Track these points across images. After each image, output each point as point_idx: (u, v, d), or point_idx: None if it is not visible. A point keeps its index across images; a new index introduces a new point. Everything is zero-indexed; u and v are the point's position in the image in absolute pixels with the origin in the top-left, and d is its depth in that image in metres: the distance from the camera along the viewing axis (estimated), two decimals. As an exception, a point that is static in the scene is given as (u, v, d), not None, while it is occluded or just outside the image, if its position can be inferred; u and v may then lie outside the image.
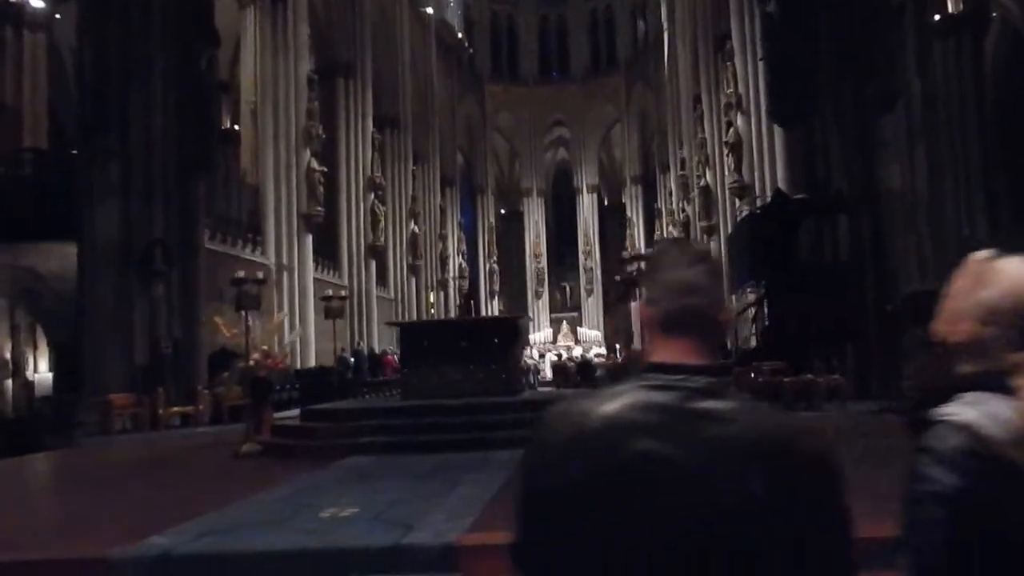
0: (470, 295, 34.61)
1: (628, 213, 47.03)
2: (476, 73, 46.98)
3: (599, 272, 47.40)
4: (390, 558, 4.25)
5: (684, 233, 34.05)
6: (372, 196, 28.16)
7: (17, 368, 22.71)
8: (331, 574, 4.23)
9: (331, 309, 19.68)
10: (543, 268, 48.35)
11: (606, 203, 50.33)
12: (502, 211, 50.23)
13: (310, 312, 22.39)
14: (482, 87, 47.07)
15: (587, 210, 48.75)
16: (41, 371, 23.50)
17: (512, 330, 10.57)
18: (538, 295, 47.78)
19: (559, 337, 43.84)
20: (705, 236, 29.57)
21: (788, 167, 20.56)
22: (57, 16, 24.52)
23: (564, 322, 45.85)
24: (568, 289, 49.97)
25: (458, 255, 42.30)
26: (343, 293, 21.97)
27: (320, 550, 4.40)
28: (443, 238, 39.60)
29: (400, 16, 34.42)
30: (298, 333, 19.55)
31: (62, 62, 27.93)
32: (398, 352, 27.52)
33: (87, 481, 8.30)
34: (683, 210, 34.70)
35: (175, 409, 14.59)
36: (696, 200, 30.55)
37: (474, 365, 9.97)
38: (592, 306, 47.14)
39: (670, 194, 40.51)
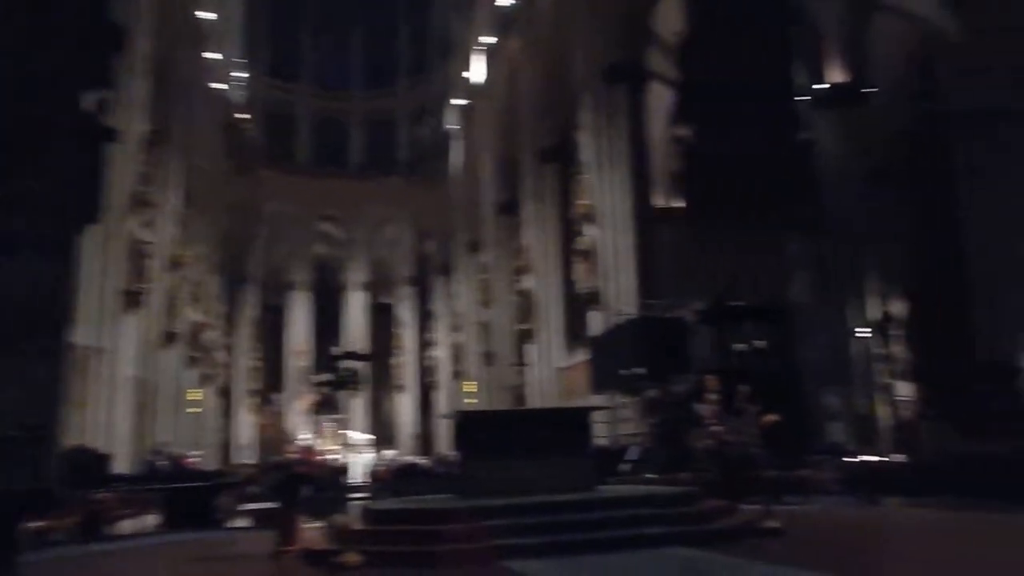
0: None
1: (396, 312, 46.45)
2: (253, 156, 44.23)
3: (370, 372, 45.68)
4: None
5: (483, 335, 34.47)
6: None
7: None
8: None
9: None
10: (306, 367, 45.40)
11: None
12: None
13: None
14: (256, 171, 44.28)
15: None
16: None
17: (583, 422, 9.74)
18: (299, 395, 44.48)
19: (322, 439, 40.71)
20: (520, 340, 30.08)
21: (640, 276, 21.81)
22: None
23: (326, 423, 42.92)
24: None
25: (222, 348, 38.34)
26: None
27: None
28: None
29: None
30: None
31: None
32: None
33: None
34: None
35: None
36: (510, 304, 31.44)
37: (545, 459, 8.94)
38: (359, 407, 44.92)
39: (452, 297, 41.04)
